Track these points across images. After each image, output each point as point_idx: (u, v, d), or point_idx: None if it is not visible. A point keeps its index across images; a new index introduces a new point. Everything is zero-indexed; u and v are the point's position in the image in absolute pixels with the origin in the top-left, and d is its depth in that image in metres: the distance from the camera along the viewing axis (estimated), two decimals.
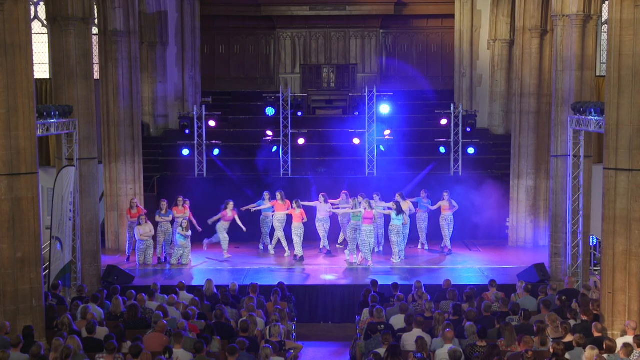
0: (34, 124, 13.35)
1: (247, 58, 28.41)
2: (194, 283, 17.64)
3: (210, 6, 27.26)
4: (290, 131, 23.09)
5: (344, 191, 20.90)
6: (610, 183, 13.36)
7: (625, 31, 12.98)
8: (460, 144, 23.08)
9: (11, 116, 12.95)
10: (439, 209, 20.63)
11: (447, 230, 20.65)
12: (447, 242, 20.76)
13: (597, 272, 18.03)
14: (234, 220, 20.07)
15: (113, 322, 13.26)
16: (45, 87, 25.06)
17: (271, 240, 20.92)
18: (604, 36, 25.00)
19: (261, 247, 21.23)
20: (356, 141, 23.19)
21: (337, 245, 21.30)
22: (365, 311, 14.34)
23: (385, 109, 23.25)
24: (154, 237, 19.75)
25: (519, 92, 20.91)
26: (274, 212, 20.43)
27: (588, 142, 16.81)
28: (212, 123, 23.15)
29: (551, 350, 11.40)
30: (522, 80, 20.74)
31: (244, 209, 20.59)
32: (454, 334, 12.09)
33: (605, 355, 11.24)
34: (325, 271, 19.29)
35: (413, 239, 21.01)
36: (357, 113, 23.61)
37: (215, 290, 15.41)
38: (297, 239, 19.91)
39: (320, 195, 20.39)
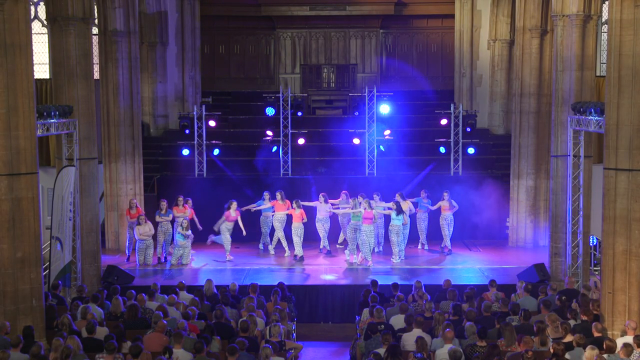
0: (34, 124, 13.35)
1: (247, 58, 28.41)
2: (194, 283, 17.63)
3: (210, 6, 27.26)
4: (290, 131, 23.09)
5: (344, 191, 20.90)
6: (610, 183, 13.37)
7: (625, 31, 12.99)
8: (460, 144, 23.08)
9: (11, 116, 12.96)
10: (439, 209, 20.63)
11: (447, 230, 20.65)
12: (447, 242, 20.76)
13: (597, 272, 18.03)
14: (236, 221, 20.05)
15: (113, 322, 13.26)
16: (45, 87, 25.06)
17: (271, 240, 20.92)
18: (604, 36, 25.00)
19: (261, 247, 21.23)
20: (356, 141, 23.19)
21: (337, 245, 21.30)
22: (365, 311, 14.34)
23: (385, 109, 23.25)
24: (154, 237, 19.75)
25: (519, 92, 20.91)
26: (274, 212, 20.43)
27: (588, 142, 16.81)
28: (212, 123, 23.15)
29: (551, 350, 11.40)
30: (522, 80, 20.74)
31: (244, 209, 20.57)
32: (454, 334, 12.09)
33: (605, 355, 11.24)
34: (325, 271, 19.29)
35: (413, 239, 21.01)
36: (357, 113, 23.61)
37: (215, 290, 15.41)
38: (297, 239, 19.91)
39: (320, 195, 20.39)
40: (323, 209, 20.25)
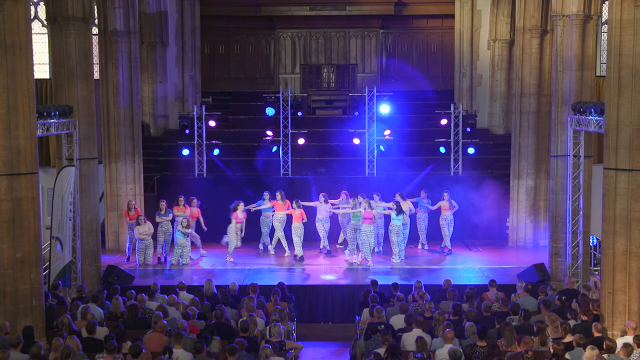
0: (34, 124, 13.35)
1: (247, 58, 28.40)
2: (194, 283, 17.63)
3: (210, 6, 27.26)
4: (290, 131, 23.09)
5: (344, 191, 20.90)
6: (610, 183, 13.37)
7: (625, 31, 12.99)
8: (460, 144, 23.08)
9: (11, 116, 12.96)
10: (439, 209, 20.63)
11: (447, 230, 20.65)
12: (447, 242, 20.76)
13: (597, 272, 18.03)
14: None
15: (113, 322, 13.26)
16: (45, 87, 25.07)
17: (271, 240, 20.92)
18: (604, 36, 25.00)
19: (261, 247, 21.22)
20: (356, 141, 23.19)
21: (337, 245, 21.30)
22: (365, 311, 14.34)
23: (385, 109, 23.25)
24: (154, 237, 19.75)
25: (519, 92, 20.91)
26: (274, 212, 20.43)
27: (588, 142, 16.81)
28: (212, 123, 23.15)
29: (551, 351, 11.40)
30: (522, 80, 20.74)
31: (244, 208, 20.57)
32: (454, 334, 12.09)
33: (605, 355, 11.24)
34: (325, 271, 19.29)
35: (413, 239, 21.01)
36: (357, 113, 23.61)
37: (215, 290, 15.41)
38: (297, 239, 19.91)
39: (321, 195, 20.39)
40: (323, 209, 20.25)
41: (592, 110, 15.11)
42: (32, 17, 23.87)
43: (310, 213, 20.36)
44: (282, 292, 15.63)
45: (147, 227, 19.38)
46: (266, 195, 20.64)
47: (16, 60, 12.92)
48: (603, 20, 24.35)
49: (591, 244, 18.65)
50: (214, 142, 23.12)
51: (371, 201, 19.58)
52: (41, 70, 25.51)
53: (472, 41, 26.60)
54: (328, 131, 24.48)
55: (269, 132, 23.31)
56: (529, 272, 17.80)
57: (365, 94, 23.22)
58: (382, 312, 13.49)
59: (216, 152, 23.09)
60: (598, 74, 24.47)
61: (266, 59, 28.40)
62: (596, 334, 12.31)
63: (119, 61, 20.39)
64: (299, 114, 23.49)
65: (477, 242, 22.10)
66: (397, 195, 20.24)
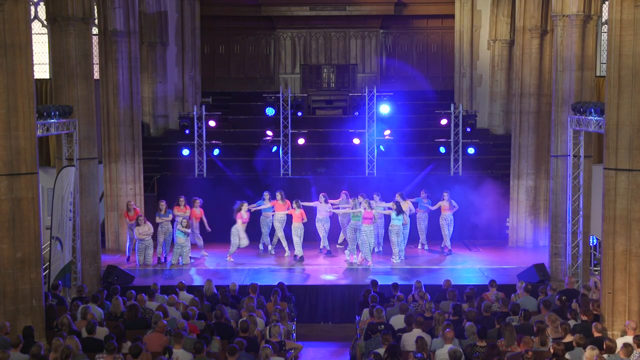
0: (34, 124, 13.35)
1: (247, 58, 28.41)
2: (194, 283, 17.64)
3: (210, 6, 27.26)
4: (290, 131, 23.09)
5: (344, 191, 20.90)
6: (610, 183, 13.37)
7: (625, 31, 12.98)
8: (460, 144, 23.08)
9: (11, 116, 12.96)
10: (439, 209, 20.63)
11: (447, 231, 20.64)
12: (447, 242, 20.76)
13: (597, 272, 18.03)
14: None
15: (113, 322, 13.25)
16: (45, 87, 25.07)
17: (271, 240, 20.92)
18: (604, 36, 25.00)
19: (261, 247, 21.22)
20: (356, 141, 23.19)
21: (337, 245, 21.30)
22: (365, 311, 14.34)
23: (385, 109, 23.25)
24: (154, 237, 19.75)
25: (519, 92, 20.91)
26: (274, 212, 20.42)
27: (588, 142, 16.81)
28: (212, 123, 23.15)
29: (551, 351, 11.40)
30: (522, 80, 20.74)
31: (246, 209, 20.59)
32: (454, 334, 12.09)
33: (605, 356, 11.24)
34: (325, 271, 19.29)
35: (413, 239, 21.01)
36: (357, 113, 23.60)
37: (215, 291, 15.41)
38: (297, 239, 19.91)
39: (321, 195, 20.39)
40: (323, 209, 20.25)
41: (592, 110, 15.11)
42: (32, 17, 23.88)
43: (310, 213, 20.36)
44: (282, 292, 15.63)
45: (146, 228, 19.38)
46: (266, 195, 20.63)
47: (16, 60, 12.92)
48: (603, 20, 24.35)
49: (591, 244, 18.66)
50: (214, 142, 23.12)
51: (371, 201, 19.58)
52: (41, 70, 25.52)
53: (472, 41, 26.60)
54: (328, 131, 24.48)
55: (269, 132, 23.31)
56: (529, 272, 17.80)
57: (365, 94, 23.22)
58: (382, 312, 13.49)
59: (216, 152, 23.09)
60: (598, 74, 24.47)
61: (266, 59, 28.40)
62: (596, 334, 12.31)
63: (119, 61, 20.39)
64: (299, 114, 23.49)
65: (477, 242, 22.10)
66: (397, 195, 20.24)
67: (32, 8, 25.25)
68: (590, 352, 11.04)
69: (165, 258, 19.88)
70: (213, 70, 28.25)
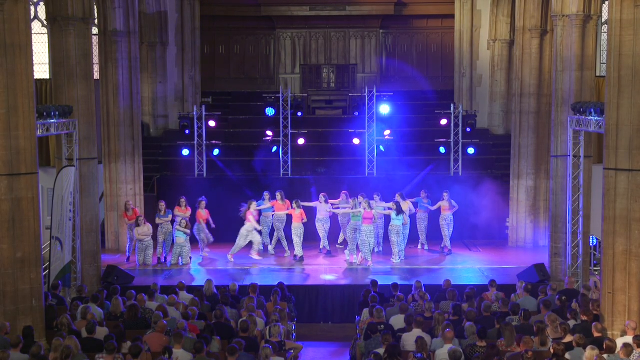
0: (34, 124, 13.35)
1: (247, 58, 28.41)
2: (194, 283, 17.64)
3: (210, 6, 27.27)
4: (290, 131, 23.09)
5: (343, 191, 20.90)
6: (610, 183, 13.37)
7: (625, 31, 12.99)
8: (460, 144, 23.08)
9: (11, 116, 12.96)
10: (439, 209, 20.63)
11: (447, 231, 20.64)
12: (447, 242, 20.75)
13: (597, 272, 18.03)
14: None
15: (113, 322, 13.26)
16: (45, 87, 25.07)
17: (271, 240, 20.92)
18: (604, 36, 25.00)
19: (261, 247, 21.19)
20: (356, 141, 23.19)
21: (337, 246, 21.30)
22: (365, 311, 14.34)
23: (385, 109, 23.25)
24: (154, 237, 19.75)
25: (519, 92, 20.91)
26: (274, 212, 20.43)
27: (588, 142, 16.81)
28: (212, 123, 23.15)
29: (551, 351, 11.40)
30: (522, 81, 20.74)
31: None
32: (454, 334, 12.09)
33: (605, 356, 11.24)
34: (325, 271, 19.29)
35: (413, 239, 21.01)
36: (357, 113, 23.61)
37: (215, 291, 15.41)
38: (297, 239, 19.91)
39: (321, 196, 20.39)
40: (323, 209, 20.26)
41: (592, 110, 15.11)
42: (32, 17, 23.88)
43: (310, 213, 20.36)
44: (282, 292, 15.62)
45: (146, 229, 19.38)
46: (266, 195, 20.63)
47: (16, 60, 12.92)
48: (603, 20, 24.35)
49: (591, 244, 18.66)
50: (214, 142, 23.12)
51: (371, 201, 19.58)
52: (41, 70, 25.52)
53: (472, 41, 26.60)
54: (328, 131, 24.48)
55: (269, 132, 23.31)
56: (529, 272, 17.80)
57: (365, 94, 23.22)
58: (382, 312, 13.49)
59: (216, 152, 23.09)
60: (598, 74, 24.48)
61: (266, 59, 28.40)
62: (596, 334, 12.31)
63: (119, 61, 20.39)
64: (299, 114, 23.49)
65: (477, 242, 22.10)
66: (397, 195, 20.24)
67: (32, 8, 25.25)
68: (590, 352, 11.04)
69: (165, 258, 19.88)
70: (213, 70, 28.25)
